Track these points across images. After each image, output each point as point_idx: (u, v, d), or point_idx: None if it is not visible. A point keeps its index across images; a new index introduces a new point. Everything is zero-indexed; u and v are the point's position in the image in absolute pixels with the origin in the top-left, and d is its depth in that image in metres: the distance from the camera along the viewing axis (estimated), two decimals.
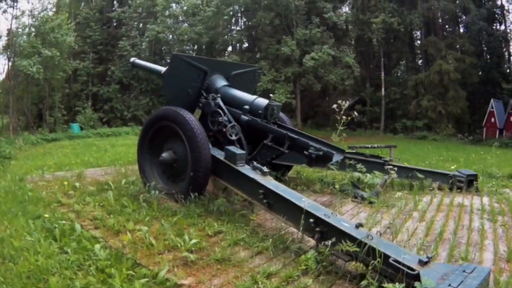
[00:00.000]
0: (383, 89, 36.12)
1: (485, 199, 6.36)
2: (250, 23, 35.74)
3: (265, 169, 4.51)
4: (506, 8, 35.91)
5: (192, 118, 5.11)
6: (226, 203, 4.85)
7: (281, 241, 3.87)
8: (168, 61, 34.57)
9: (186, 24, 32.51)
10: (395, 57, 40.51)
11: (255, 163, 4.75)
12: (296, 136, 5.64)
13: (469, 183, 6.95)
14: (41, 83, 26.14)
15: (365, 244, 3.01)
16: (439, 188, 6.89)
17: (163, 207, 4.85)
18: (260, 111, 5.84)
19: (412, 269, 2.72)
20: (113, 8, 37.05)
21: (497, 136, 29.51)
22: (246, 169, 4.63)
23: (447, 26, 37.50)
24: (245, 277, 3.13)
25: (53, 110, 28.73)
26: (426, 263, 2.79)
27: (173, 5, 32.94)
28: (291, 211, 3.78)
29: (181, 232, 3.95)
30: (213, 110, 5.74)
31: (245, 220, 4.57)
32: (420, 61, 39.17)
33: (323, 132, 28.41)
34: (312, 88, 33.39)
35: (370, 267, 2.93)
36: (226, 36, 36.93)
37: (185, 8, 29.68)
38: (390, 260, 2.83)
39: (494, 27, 35.70)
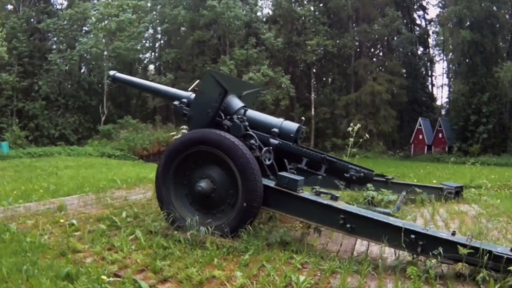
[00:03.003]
0: (312, 109, 37.72)
1: (475, 206, 7.40)
2: (174, 39, 35.44)
3: (336, 194, 4.37)
4: (430, 32, 40.35)
5: (241, 143, 4.88)
6: (288, 232, 4.76)
7: (366, 260, 4.04)
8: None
9: (103, 39, 31.16)
10: (326, 78, 42.76)
11: (317, 188, 4.59)
12: (334, 159, 5.54)
13: (456, 194, 7.87)
14: None
15: (470, 246, 3.59)
16: (436, 200, 7.67)
17: (217, 245, 4.48)
18: (292, 135, 5.80)
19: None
20: (34, 20, 34.32)
21: (425, 152, 32.46)
22: (312, 196, 4.62)
23: (372, 49, 40.68)
24: None
25: None
26: None
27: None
28: (386, 231, 4.02)
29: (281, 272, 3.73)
30: (243, 134, 5.35)
31: (312, 247, 4.57)
32: (343, 83, 41.66)
33: None
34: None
35: (484, 263, 3.48)
36: (152, 53, 36.12)
37: (123, 19, 28.34)
38: (494, 253, 3.48)
39: (420, 50, 39.81)
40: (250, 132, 5.51)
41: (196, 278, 3.55)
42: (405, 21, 39.06)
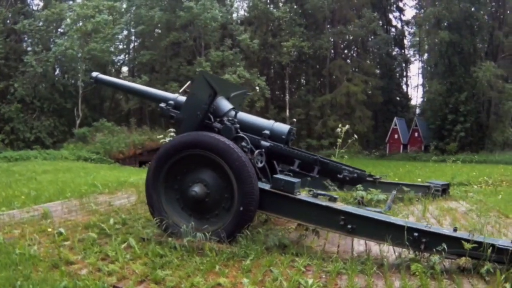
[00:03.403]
0: (287, 110, 38.00)
1: (463, 203, 7.68)
2: (148, 40, 35.13)
3: (334, 195, 4.37)
4: (405, 33, 41.24)
5: (236, 146, 4.80)
6: (285, 235, 4.78)
7: (369, 260, 4.07)
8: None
9: (78, 41, 30.64)
10: (300, 79, 43.13)
11: (314, 190, 4.54)
12: (327, 161, 5.58)
13: (443, 191, 8.12)
14: None
15: (473, 240, 3.74)
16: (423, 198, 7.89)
17: (216, 251, 4.37)
18: (283, 136, 5.80)
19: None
20: (10, 21, 33.48)
21: (401, 151, 33.04)
22: (310, 198, 4.63)
23: (347, 50, 41.20)
24: None
25: None
26: None
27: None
28: (389, 230, 4.08)
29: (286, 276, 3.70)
30: (235, 136, 5.26)
31: (311, 249, 4.58)
32: (319, 82, 42.10)
33: None
34: None
35: (487, 256, 3.64)
36: (126, 55, 35.71)
37: (98, 20, 27.93)
38: (497, 246, 3.66)
39: (396, 51, 40.69)
40: (241, 134, 5.45)
41: (203, 287, 3.44)
42: (381, 22, 39.93)
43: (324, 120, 37.34)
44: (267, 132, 5.71)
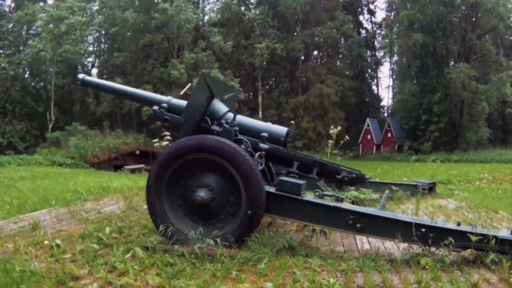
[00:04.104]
0: (260, 112, 38.22)
1: (451, 200, 8.00)
2: (119, 42, 34.61)
3: (341, 196, 4.57)
4: (377, 36, 42.26)
5: (242, 149, 4.80)
6: (294, 237, 4.83)
7: (378, 257, 4.22)
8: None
9: (48, 44, 29.93)
10: (272, 81, 43.42)
11: (319, 191, 4.68)
12: (326, 162, 5.68)
13: (430, 190, 8.42)
14: None
15: (478, 233, 4.00)
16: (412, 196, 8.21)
17: (228, 256, 4.35)
18: (281, 138, 5.87)
19: None
20: None
21: (374, 151, 33.74)
22: (317, 199, 4.73)
23: (320, 52, 41.80)
24: None
25: None
26: None
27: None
28: (397, 227, 4.26)
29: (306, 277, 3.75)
30: (235, 139, 5.28)
31: (320, 249, 4.66)
32: (288, 85, 42.52)
33: None
34: None
35: (491, 246, 3.91)
36: (96, 58, 35.10)
37: (72, 22, 27.31)
38: (499, 237, 3.94)
39: (367, 53, 41.59)
40: (241, 137, 5.47)
41: None
42: (352, 25, 40.82)
43: (297, 122, 37.73)
44: (265, 134, 5.76)
